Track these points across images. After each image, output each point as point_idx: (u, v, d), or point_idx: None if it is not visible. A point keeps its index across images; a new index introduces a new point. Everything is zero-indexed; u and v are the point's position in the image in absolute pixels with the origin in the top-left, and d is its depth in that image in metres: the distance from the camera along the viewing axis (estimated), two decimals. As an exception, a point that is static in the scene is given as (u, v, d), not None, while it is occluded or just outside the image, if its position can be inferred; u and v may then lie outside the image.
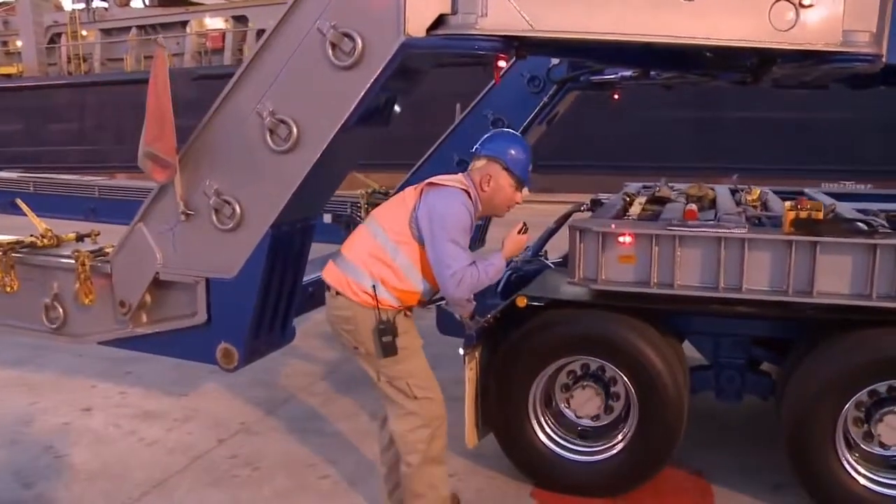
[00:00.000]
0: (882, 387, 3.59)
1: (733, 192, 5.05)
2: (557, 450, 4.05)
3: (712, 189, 5.02)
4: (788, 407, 3.70)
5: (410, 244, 3.23)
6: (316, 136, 3.44)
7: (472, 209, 3.27)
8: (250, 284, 3.65)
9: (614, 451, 3.98)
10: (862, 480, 3.64)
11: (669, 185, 5.23)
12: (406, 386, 3.32)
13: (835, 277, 3.43)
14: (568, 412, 4.08)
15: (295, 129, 3.45)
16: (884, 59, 3.35)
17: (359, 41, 3.28)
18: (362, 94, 3.34)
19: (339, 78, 3.36)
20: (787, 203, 3.52)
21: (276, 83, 3.48)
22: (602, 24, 3.20)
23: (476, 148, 3.45)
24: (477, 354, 3.89)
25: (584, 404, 3.99)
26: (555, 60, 6.31)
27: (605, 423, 4.04)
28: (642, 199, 4.73)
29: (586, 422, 4.07)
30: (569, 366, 4.04)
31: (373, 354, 3.28)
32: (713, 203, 4.74)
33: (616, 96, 6.66)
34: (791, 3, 3.18)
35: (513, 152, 3.35)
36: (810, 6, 3.17)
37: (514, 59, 3.93)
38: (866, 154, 15.53)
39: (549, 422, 4.10)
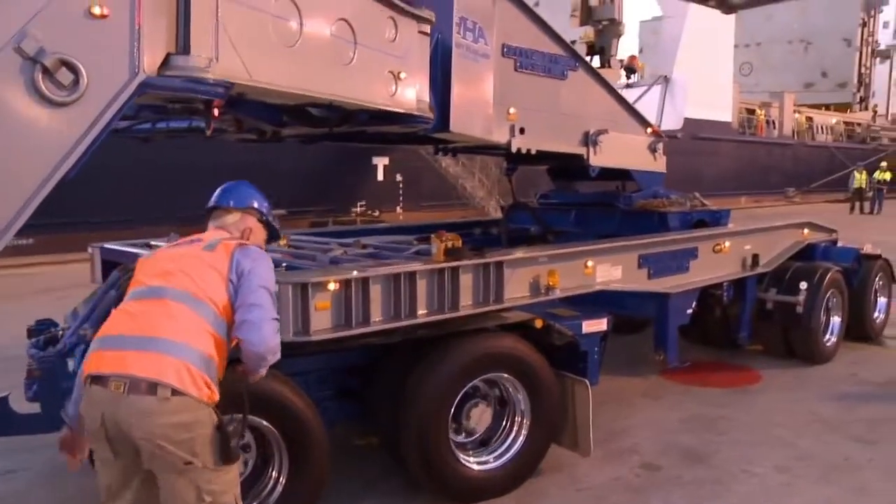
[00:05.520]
0: (479, 382, 4.24)
1: None
2: None
3: None
4: (408, 420, 4.01)
5: (229, 314, 2.75)
6: (16, 190, 2.57)
7: None
8: None
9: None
10: (476, 467, 4.27)
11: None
12: (233, 500, 2.75)
13: (467, 293, 4.26)
14: None
15: (-20, 181, 2.49)
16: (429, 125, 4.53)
17: (83, 74, 2.65)
18: (90, 139, 2.68)
19: (51, 116, 2.61)
20: (433, 235, 4.21)
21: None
22: (300, 80, 3.48)
23: (218, 200, 3.19)
24: None
25: None
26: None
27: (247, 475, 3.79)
28: None
29: None
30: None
31: (209, 468, 2.62)
32: None
33: None
34: (394, 76, 4.10)
35: (259, 202, 3.22)
36: (404, 80, 4.16)
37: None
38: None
39: None
